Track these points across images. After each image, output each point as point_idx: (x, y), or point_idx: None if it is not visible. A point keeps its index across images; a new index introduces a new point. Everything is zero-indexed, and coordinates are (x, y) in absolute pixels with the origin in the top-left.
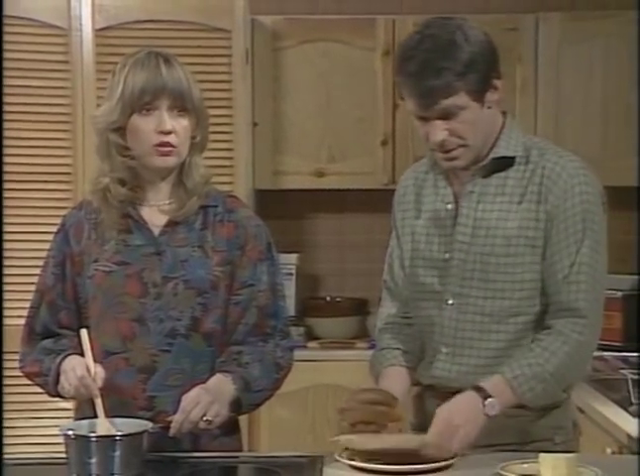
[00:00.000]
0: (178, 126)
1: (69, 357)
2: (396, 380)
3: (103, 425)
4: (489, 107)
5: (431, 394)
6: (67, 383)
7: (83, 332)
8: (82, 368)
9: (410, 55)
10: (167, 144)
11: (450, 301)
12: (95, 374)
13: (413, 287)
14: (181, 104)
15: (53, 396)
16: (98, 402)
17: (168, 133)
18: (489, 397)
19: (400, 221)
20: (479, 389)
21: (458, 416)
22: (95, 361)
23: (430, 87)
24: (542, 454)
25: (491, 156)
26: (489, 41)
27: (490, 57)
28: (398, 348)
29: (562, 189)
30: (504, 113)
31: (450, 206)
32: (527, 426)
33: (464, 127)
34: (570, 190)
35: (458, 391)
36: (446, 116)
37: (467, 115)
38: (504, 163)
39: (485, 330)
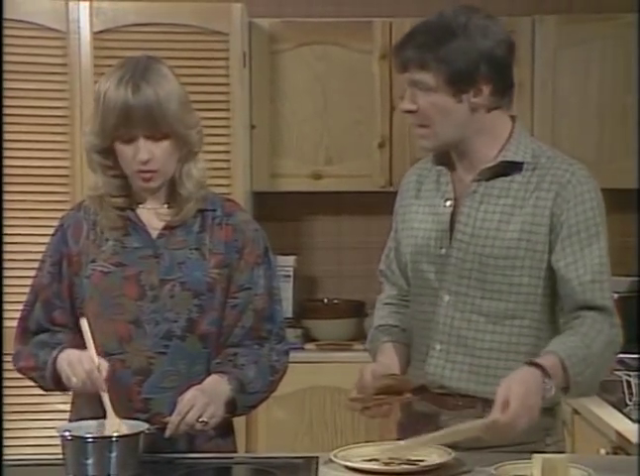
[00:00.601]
0: (158, 150)
1: (68, 351)
2: (394, 356)
3: (112, 423)
4: (474, 109)
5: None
6: (74, 376)
7: (84, 322)
8: (89, 361)
9: (412, 29)
10: (148, 171)
11: (446, 298)
12: (99, 365)
13: (413, 280)
14: (156, 131)
15: (48, 390)
16: (105, 396)
17: (147, 161)
18: (549, 377)
19: (401, 216)
20: (541, 367)
21: (532, 395)
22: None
23: (406, 54)
24: (535, 455)
25: (500, 159)
26: (495, 49)
27: (487, 61)
28: (397, 325)
29: (572, 194)
30: (514, 119)
31: (449, 203)
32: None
33: (430, 109)
34: (580, 196)
35: (448, 393)
36: (421, 89)
37: (435, 99)
38: (511, 167)
39: (481, 330)
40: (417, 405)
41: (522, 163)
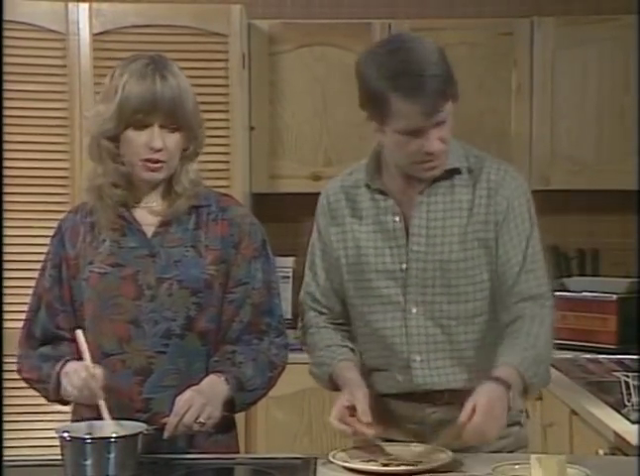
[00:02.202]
0: (169, 141)
1: (69, 363)
2: (358, 374)
3: (109, 427)
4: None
5: (401, 397)
6: (70, 386)
7: (79, 333)
8: (85, 371)
9: (402, 68)
10: (157, 160)
11: (414, 310)
12: (95, 374)
13: (367, 299)
14: (173, 121)
15: (52, 401)
16: (102, 403)
17: (159, 150)
18: (509, 388)
19: (337, 235)
20: (502, 381)
21: (497, 405)
22: (93, 362)
23: (432, 95)
24: (533, 455)
25: (447, 167)
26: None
27: (445, 59)
28: (346, 345)
29: (508, 190)
30: None
31: (397, 218)
32: None
33: (448, 134)
34: (515, 191)
35: (433, 391)
36: (440, 124)
37: (450, 122)
38: (451, 172)
39: (454, 333)
40: (395, 407)
41: (459, 167)
